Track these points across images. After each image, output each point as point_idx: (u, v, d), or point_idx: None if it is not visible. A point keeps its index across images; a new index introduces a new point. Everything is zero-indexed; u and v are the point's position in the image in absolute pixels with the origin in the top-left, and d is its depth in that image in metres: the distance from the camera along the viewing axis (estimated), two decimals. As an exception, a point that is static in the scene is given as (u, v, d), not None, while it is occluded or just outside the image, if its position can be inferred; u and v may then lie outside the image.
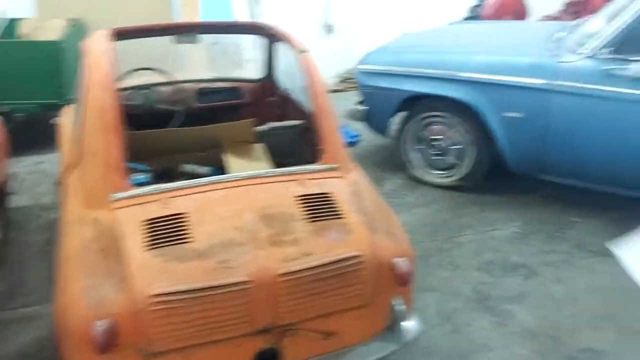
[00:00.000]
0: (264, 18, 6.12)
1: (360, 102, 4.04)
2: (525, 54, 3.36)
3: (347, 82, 6.22)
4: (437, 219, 3.49)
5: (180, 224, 1.73)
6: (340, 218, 1.88)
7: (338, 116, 4.43)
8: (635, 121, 2.96)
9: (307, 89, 2.25)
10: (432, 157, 3.86)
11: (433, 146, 3.82)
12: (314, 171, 2.07)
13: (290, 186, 1.97)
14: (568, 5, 5.82)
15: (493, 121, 3.42)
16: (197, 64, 3.99)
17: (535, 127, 3.28)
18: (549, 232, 3.29)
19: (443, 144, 3.77)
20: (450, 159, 3.78)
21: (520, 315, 2.61)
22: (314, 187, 1.98)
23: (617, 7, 3.24)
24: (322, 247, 1.77)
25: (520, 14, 6.10)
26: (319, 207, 1.89)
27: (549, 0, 6.26)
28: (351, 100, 4.28)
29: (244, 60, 3.97)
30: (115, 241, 1.70)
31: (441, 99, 3.60)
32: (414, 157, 3.95)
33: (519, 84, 3.27)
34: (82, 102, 2.00)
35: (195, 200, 1.84)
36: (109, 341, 1.53)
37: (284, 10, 6.15)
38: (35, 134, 4.34)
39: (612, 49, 3.03)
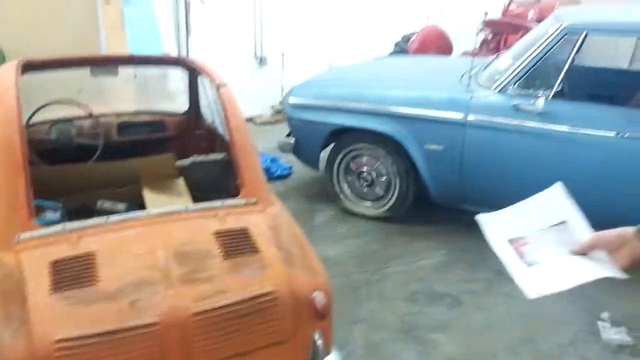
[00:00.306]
0: (195, 49, 6.13)
1: (289, 135, 4.09)
2: (442, 88, 3.53)
3: (280, 113, 6.28)
4: (367, 250, 3.54)
5: (88, 265, 1.67)
6: (257, 253, 1.87)
7: (270, 148, 4.49)
8: (541, 152, 3.15)
9: (225, 123, 2.25)
10: (362, 189, 3.94)
11: (362, 178, 3.91)
12: (232, 206, 2.06)
13: (208, 222, 1.95)
14: (484, 42, 6.20)
15: (416, 153, 3.55)
16: (123, 97, 3.92)
17: (453, 159, 3.42)
18: (471, 261, 3.40)
19: (371, 175, 3.86)
20: (378, 191, 3.87)
21: (443, 344, 2.67)
22: (231, 223, 1.97)
23: (524, 45, 3.48)
24: (237, 284, 1.76)
25: (444, 48, 6.41)
26: (236, 243, 1.88)
27: (470, 36, 6.63)
28: (284, 132, 4.33)
29: (172, 93, 3.94)
30: (18, 284, 1.61)
31: (367, 132, 3.70)
32: (344, 188, 4.01)
33: (437, 118, 3.42)
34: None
35: (106, 239, 1.79)
36: (5, 392, 1.45)
37: (215, 41, 6.18)
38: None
39: (520, 85, 3.24)
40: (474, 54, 4.21)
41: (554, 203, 1.25)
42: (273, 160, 4.84)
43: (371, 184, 3.87)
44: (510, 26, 5.79)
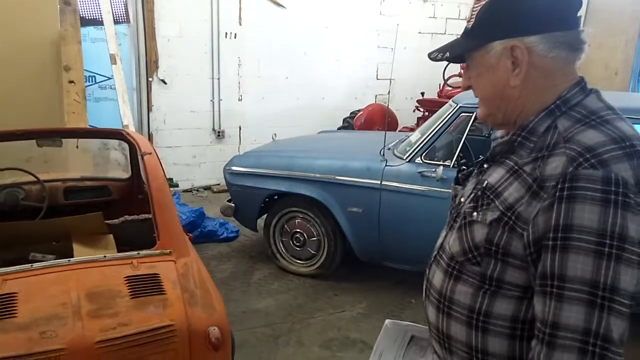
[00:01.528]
0: (156, 124, 6.61)
1: (229, 200, 4.47)
2: (362, 158, 3.99)
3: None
4: (294, 303, 3.84)
5: (8, 302, 1.98)
6: (162, 294, 2.19)
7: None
8: (443, 212, 3.56)
9: (147, 184, 2.63)
10: (295, 249, 4.29)
11: (295, 239, 4.27)
12: (147, 255, 2.40)
13: (122, 269, 2.28)
14: (420, 119, 6.81)
15: (340, 216, 3.94)
16: (72, 164, 4.29)
17: (372, 220, 3.82)
18: (389, 312, 3.72)
19: (303, 236, 4.22)
20: (309, 250, 4.22)
21: (348, 384, 2.95)
22: (143, 269, 2.30)
23: (430, 122, 3.99)
24: (139, 318, 2.06)
25: (388, 124, 6.97)
26: (144, 286, 2.20)
27: (411, 115, 7.27)
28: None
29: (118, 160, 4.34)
30: (-56, 318, 1.91)
31: (297, 196, 4.10)
32: (280, 248, 4.36)
33: (357, 183, 3.85)
34: None
35: (28, 282, 2.10)
36: None
37: (176, 117, 6.69)
38: None
39: (424, 155, 3.71)
40: (412, 129, 4.70)
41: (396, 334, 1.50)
42: (222, 224, 5.19)
43: (303, 244, 4.23)
44: (440, 105, 6.41)
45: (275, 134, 5.13)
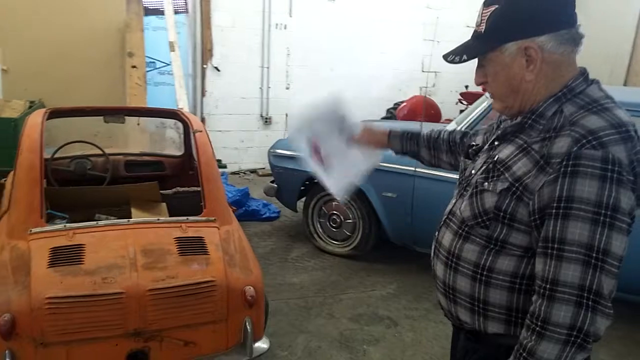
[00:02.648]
0: (208, 109, 6.99)
1: (272, 181, 4.76)
2: (398, 146, 4.16)
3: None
4: (327, 280, 4.09)
5: (77, 251, 2.32)
6: (205, 254, 2.49)
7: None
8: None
9: (197, 158, 2.93)
10: (331, 230, 4.54)
11: (331, 220, 4.51)
12: (194, 221, 2.71)
13: (173, 230, 2.60)
14: (462, 111, 6.87)
15: (375, 200, 4.15)
16: (134, 141, 4.70)
17: (405, 205, 4.01)
18: (417, 293, 3.92)
19: (340, 218, 4.46)
20: (345, 232, 4.46)
21: (372, 353, 3.17)
22: (190, 232, 2.60)
23: (468, 112, 4.13)
24: (185, 273, 2.37)
25: (432, 116, 7.09)
26: (191, 246, 2.50)
27: (455, 107, 7.35)
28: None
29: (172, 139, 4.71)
30: (26, 261, 2.27)
31: (335, 180, 4.33)
32: (317, 229, 4.62)
33: (391, 169, 4.04)
34: (16, 162, 2.63)
35: (94, 236, 2.44)
36: (10, 330, 2.06)
37: (227, 103, 7.04)
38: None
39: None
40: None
41: (334, 104, 1.77)
42: (265, 204, 5.50)
43: (339, 226, 4.47)
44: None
45: (319, 122, 5.37)
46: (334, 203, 4.47)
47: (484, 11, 1.27)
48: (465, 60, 1.30)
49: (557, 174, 1.13)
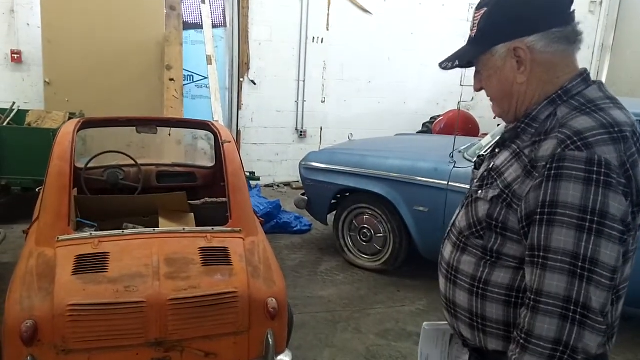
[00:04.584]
0: (243, 122, 7.06)
1: (303, 194, 4.74)
2: (430, 160, 4.08)
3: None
4: (356, 294, 4.02)
5: (102, 260, 2.34)
6: (229, 265, 2.47)
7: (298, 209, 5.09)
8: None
9: (224, 169, 2.93)
10: (361, 244, 4.47)
11: (362, 234, 4.44)
12: (220, 232, 2.70)
13: (198, 240, 2.59)
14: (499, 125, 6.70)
15: (406, 214, 4.07)
16: (167, 152, 4.77)
17: (437, 219, 3.91)
18: (449, 311, 3.79)
19: (370, 232, 4.39)
20: (375, 246, 4.38)
21: (399, 371, 3.08)
22: (215, 242, 2.59)
23: (501, 127, 4.00)
24: (207, 283, 2.35)
25: (470, 131, 6.94)
26: (215, 257, 2.49)
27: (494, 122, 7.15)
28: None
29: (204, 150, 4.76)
30: (52, 269, 2.30)
31: (366, 193, 4.28)
32: (348, 243, 4.56)
33: (423, 183, 3.95)
34: (47, 171, 2.69)
35: (119, 244, 2.46)
36: (32, 336, 2.08)
37: (262, 116, 7.10)
38: (29, 206, 5.04)
39: (494, 158, 3.74)
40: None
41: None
42: (297, 217, 5.48)
43: (370, 240, 4.40)
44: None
45: (352, 134, 5.34)
46: (364, 217, 4.40)
47: (475, 15, 1.24)
48: (458, 66, 1.27)
49: (542, 178, 1.06)
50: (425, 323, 1.61)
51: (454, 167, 3.87)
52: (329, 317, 3.63)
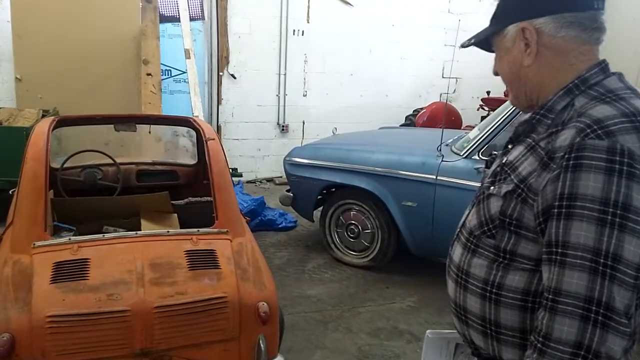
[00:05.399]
0: (224, 117, 6.91)
1: (288, 190, 4.63)
2: (417, 153, 4.01)
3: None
4: (345, 292, 3.94)
5: (82, 266, 2.20)
6: (217, 268, 2.36)
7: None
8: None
9: (210, 169, 2.81)
10: (349, 240, 4.39)
11: (349, 230, 4.36)
12: (206, 233, 2.58)
13: (183, 243, 2.47)
14: (484, 117, 6.68)
15: (394, 209, 3.99)
16: (147, 150, 4.62)
17: (426, 215, 3.85)
18: (439, 307, 3.73)
19: (357, 228, 4.31)
20: (363, 242, 4.30)
21: (393, 371, 3.01)
22: (201, 245, 2.48)
23: (491, 118, 3.96)
24: (195, 289, 2.24)
25: (452, 123, 6.91)
26: (202, 260, 2.37)
27: (477, 114, 7.16)
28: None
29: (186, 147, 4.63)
30: (28, 276, 2.16)
31: (353, 189, 4.20)
32: (335, 239, 4.47)
33: (411, 178, 3.89)
34: (21, 172, 2.54)
35: (99, 249, 2.33)
36: (8, 351, 1.95)
37: (243, 111, 6.96)
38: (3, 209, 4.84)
39: (481, 152, 3.69)
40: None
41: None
42: (282, 214, 5.37)
43: (357, 236, 4.32)
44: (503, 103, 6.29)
45: (336, 128, 5.25)
46: (352, 212, 4.32)
47: None
48: (473, 44, 1.25)
49: (560, 169, 0.99)
50: (428, 331, 1.53)
51: (442, 160, 3.81)
52: (318, 316, 3.55)
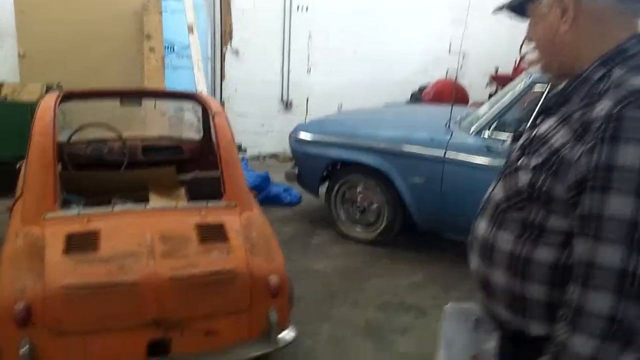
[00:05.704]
0: (227, 93, 6.86)
1: (294, 166, 4.62)
2: (425, 129, 3.99)
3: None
4: (351, 267, 3.96)
5: (92, 238, 2.21)
6: (226, 241, 2.36)
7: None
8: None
9: (216, 142, 2.80)
10: (355, 215, 4.39)
11: (355, 206, 4.36)
12: (215, 207, 2.58)
13: (192, 217, 2.47)
14: (492, 95, 6.62)
15: (401, 185, 3.98)
16: (152, 124, 4.61)
17: (434, 191, 3.83)
18: (446, 283, 3.74)
19: (363, 204, 4.31)
20: (369, 217, 4.31)
21: (401, 343, 3.03)
22: (210, 218, 2.48)
23: (501, 95, 3.92)
24: (205, 261, 2.25)
25: (459, 99, 6.84)
26: (211, 233, 2.38)
27: (484, 91, 7.09)
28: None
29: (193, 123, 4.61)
30: (41, 247, 2.17)
31: (359, 165, 4.18)
32: (341, 214, 4.47)
33: (419, 155, 3.86)
34: (29, 146, 2.53)
35: (109, 222, 2.34)
36: (25, 318, 1.97)
37: (247, 87, 6.90)
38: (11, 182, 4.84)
39: (491, 128, 3.66)
40: (482, 104, 4.64)
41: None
42: (286, 189, 5.37)
43: (363, 211, 4.32)
44: (512, 80, 6.22)
45: (341, 104, 5.21)
46: (358, 188, 4.31)
47: None
48: (505, 7, 1.22)
49: (596, 140, 0.96)
50: (447, 305, 1.52)
51: (451, 137, 3.78)
52: (325, 290, 3.57)
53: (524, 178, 1.11)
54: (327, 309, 3.32)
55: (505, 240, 1.15)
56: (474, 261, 1.26)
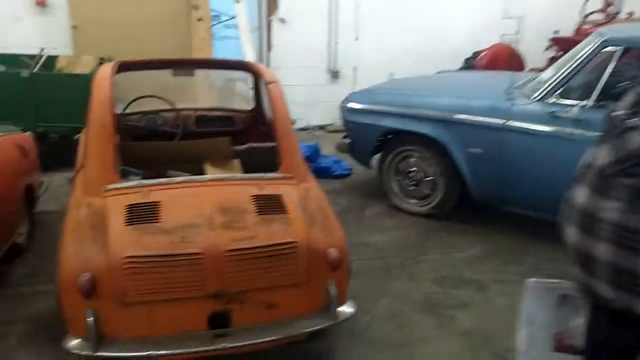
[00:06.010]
0: (275, 63, 6.77)
1: (345, 137, 4.52)
2: (485, 97, 3.80)
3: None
4: (406, 240, 3.86)
5: (153, 209, 2.20)
6: (285, 213, 2.31)
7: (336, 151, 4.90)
8: (576, 156, 3.32)
9: (272, 113, 2.73)
10: (409, 188, 4.27)
11: (409, 177, 4.24)
12: (271, 178, 2.53)
13: (249, 188, 2.43)
14: (553, 59, 6.27)
15: (458, 156, 3.83)
16: (203, 95, 4.59)
17: (493, 162, 3.67)
18: (505, 257, 3.61)
19: (417, 175, 4.18)
20: (424, 190, 4.18)
21: (461, 319, 2.94)
22: (268, 190, 2.43)
23: (568, 58, 3.68)
24: (265, 233, 2.20)
25: (515, 66, 6.53)
26: (269, 205, 2.33)
27: (541, 56, 6.73)
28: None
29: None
30: (103, 218, 2.17)
31: (414, 135, 4.04)
32: (394, 187, 4.36)
33: (478, 123, 3.69)
34: (88, 118, 2.53)
35: (169, 193, 2.32)
36: (90, 289, 1.99)
37: (294, 57, 6.78)
38: (69, 154, 4.96)
39: (557, 94, 3.44)
40: (541, 70, 4.40)
41: None
42: (336, 161, 5.29)
43: (418, 184, 4.19)
44: (576, 43, 5.86)
45: (393, 73, 5.04)
46: (412, 159, 4.18)
47: None
48: None
49: None
50: (529, 280, 1.43)
51: (513, 104, 3.59)
52: (380, 264, 3.50)
53: (637, 139, 0.98)
54: (383, 283, 3.26)
55: (612, 210, 1.04)
56: (571, 233, 1.16)
